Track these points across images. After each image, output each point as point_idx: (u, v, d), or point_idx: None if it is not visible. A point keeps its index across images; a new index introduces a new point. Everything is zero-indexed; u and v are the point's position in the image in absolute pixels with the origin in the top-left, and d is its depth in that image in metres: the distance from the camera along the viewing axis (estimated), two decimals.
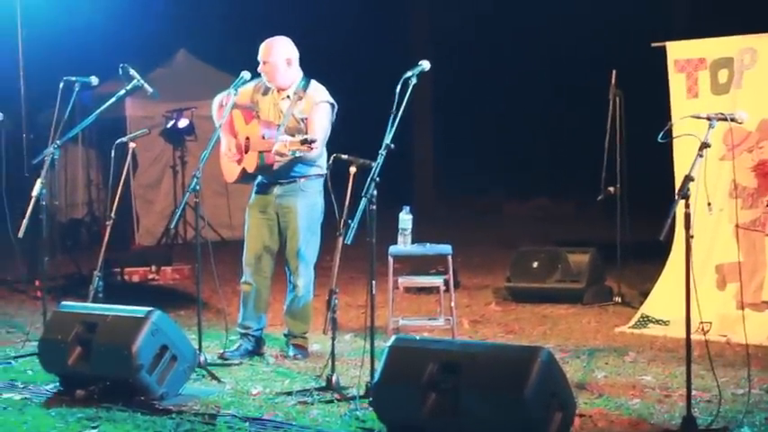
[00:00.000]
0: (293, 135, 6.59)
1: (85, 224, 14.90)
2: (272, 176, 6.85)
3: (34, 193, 6.91)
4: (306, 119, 6.73)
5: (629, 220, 8.97)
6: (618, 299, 8.91)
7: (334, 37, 20.45)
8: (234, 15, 20.62)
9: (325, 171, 6.81)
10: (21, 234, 6.88)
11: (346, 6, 20.10)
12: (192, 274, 10.80)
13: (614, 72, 8.90)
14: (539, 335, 7.80)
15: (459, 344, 5.52)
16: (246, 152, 6.83)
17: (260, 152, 6.70)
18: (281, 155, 6.54)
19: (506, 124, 20.60)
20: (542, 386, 4.57)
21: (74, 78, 7.25)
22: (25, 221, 6.84)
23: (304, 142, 6.32)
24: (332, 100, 6.84)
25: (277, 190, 6.89)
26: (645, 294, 8.30)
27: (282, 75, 6.85)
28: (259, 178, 6.97)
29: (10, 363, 6.80)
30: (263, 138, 6.69)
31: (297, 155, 6.46)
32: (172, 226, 8.20)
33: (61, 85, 7.23)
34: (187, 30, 18.44)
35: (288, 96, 6.88)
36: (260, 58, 6.87)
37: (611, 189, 8.94)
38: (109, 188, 7.30)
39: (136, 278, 10.84)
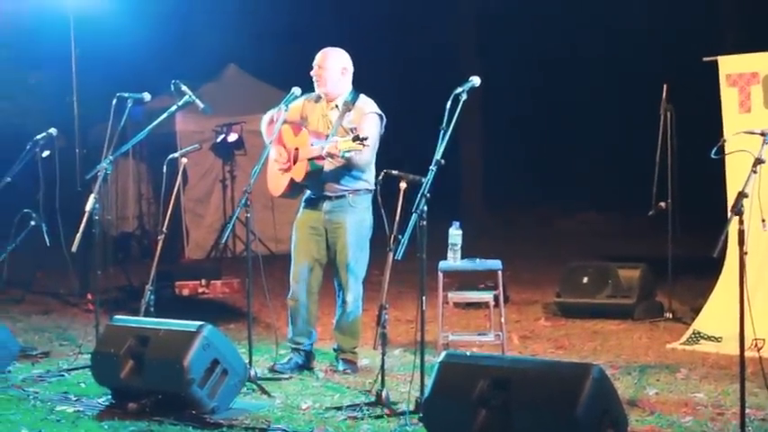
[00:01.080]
0: None
1: (136, 237, 15.06)
2: (320, 187, 6.87)
3: (87, 207, 6.98)
4: (355, 129, 6.76)
5: (680, 235, 8.91)
6: (669, 315, 8.84)
7: (383, 52, 20.50)
8: (284, 30, 20.75)
9: (373, 186, 6.85)
10: (74, 248, 6.96)
11: (395, 22, 20.17)
12: (241, 287, 10.89)
13: (666, 86, 8.85)
14: (589, 351, 7.75)
15: (509, 360, 5.51)
16: (295, 163, 6.86)
17: (309, 159, 6.74)
18: (332, 155, 6.57)
19: (556, 138, 20.53)
20: (594, 403, 4.55)
21: (126, 95, 7.33)
22: (78, 236, 6.91)
23: (356, 139, 6.36)
24: (381, 112, 6.89)
25: (326, 206, 6.92)
26: (696, 310, 8.23)
27: (335, 83, 6.90)
28: (307, 193, 7.00)
29: (63, 375, 6.88)
30: (312, 146, 6.73)
31: (348, 155, 6.48)
32: (222, 241, 8.24)
33: (114, 101, 7.31)
34: (237, 45, 18.57)
35: (336, 106, 6.94)
36: (315, 62, 6.94)
37: (663, 204, 8.88)
38: (160, 203, 7.34)
39: (186, 292, 10.93)
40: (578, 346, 7.96)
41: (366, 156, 6.70)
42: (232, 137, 13.87)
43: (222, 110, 13.52)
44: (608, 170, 19.48)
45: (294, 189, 6.95)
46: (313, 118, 6.99)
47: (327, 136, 6.77)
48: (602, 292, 9.11)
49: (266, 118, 7.11)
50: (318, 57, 6.96)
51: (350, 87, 6.97)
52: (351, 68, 6.99)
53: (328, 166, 6.77)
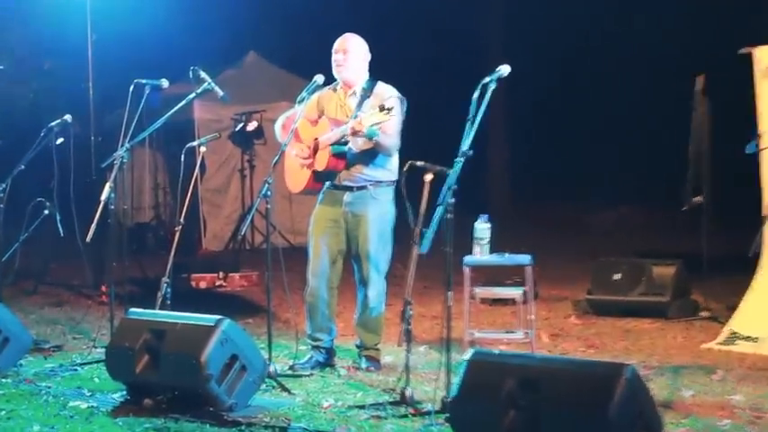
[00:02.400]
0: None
1: (152, 228, 15.12)
2: (341, 177, 6.84)
3: (103, 197, 7.00)
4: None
5: (715, 230, 8.85)
6: (704, 313, 8.80)
7: (406, 40, 20.47)
8: (304, 17, 20.75)
9: (396, 177, 6.84)
10: (88, 239, 6.98)
11: (417, 9, 20.12)
12: (260, 280, 10.90)
13: (699, 78, 8.77)
14: (621, 350, 7.72)
15: (539, 359, 5.48)
16: (315, 153, 6.84)
17: (331, 144, 6.72)
18: (357, 132, 6.52)
19: (586, 129, 20.43)
20: (627, 405, 4.51)
21: (144, 81, 7.35)
22: (93, 226, 6.93)
23: (381, 110, 6.32)
24: (401, 95, 6.88)
25: (347, 197, 6.90)
26: (733, 309, 8.16)
27: (356, 68, 6.91)
28: (327, 184, 6.97)
29: (76, 370, 6.90)
30: (333, 131, 6.71)
31: (374, 131, 6.44)
32: (242, 233, 8.24)
33: (131, 87, 7.33)
34: (257, 31, 18.59)
35: (354, 93, 6.94)
36: (337, 47, 6.93)
37: (698, 198, 8.83)
38: (178, 193, 7.35)
39: (203, 284, 10.96)
40: (610, 345, 7.92)
41: (392, 139, 6.69)
42: (251, 126, 13.85)
43: (241, 98, 13.53)
44: (641, 163, 19.37)
45: (317, 180, 6.91)
46: (330, 108, 6.98)
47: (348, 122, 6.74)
48: (635, 290, 9.07)
49: (281, 121, 7.13)
50: (340, 41, 6.96)
51: (367, 75, 6.98)
52: (368, 56, 7.04)
53: (351, 152, 6.76)
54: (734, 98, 8.74)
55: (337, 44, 6.96)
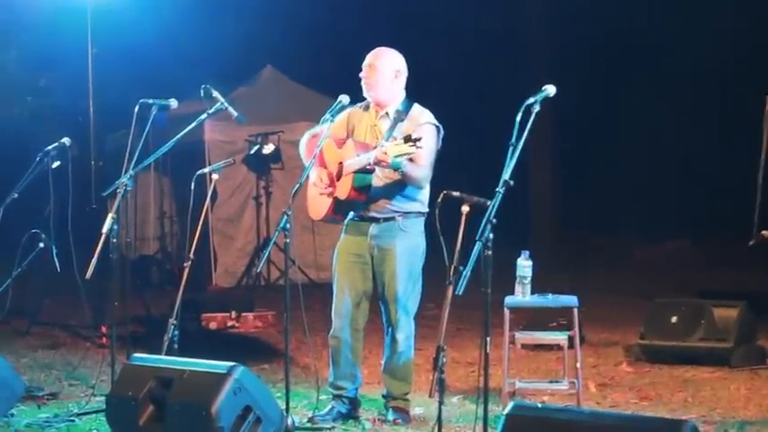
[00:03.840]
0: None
1: (157, 262, 15.16)
2: (366, 207, 6.85)
3: (104, 228, 7.02)
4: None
5: None
6: None
7: (440, 55, 20.49)
8: (326, 27, 20.82)
9: (427, 209, 6.85)
10: (88, 275, 7.00)
11: (455, 21, 20.18)
12: (276, 321, 10.92)
13: None
14: (679, 403, 7.68)
15: (586, 414, 5.45)
16: (339, 179, 6.86)
17: (355, 172, 6.72)
18: (381, 163, 6.53)
19: (638, 157, 20.41)
20: None
21: (151, 101, 7.38)
22: (93, 261, 6.95)
23: (408, 140, 6.32)
24: (438, 123, 6.88)
25: (373, 229, 6.91)
26: None
27: (386, 87, 6.90)
28: (350, 215, 6.99)
29: (73, 420, 6.91)
30: (358, 157, 6.72)
31: (400, 163, 6.45)
32: (258, 270, 8.25)
33: (136, 108, 7.37)
34: (274, 43, 18.66)
35: (387, 115, 6.93)
36: (365, 62, 6.94)
37: (766, 233, 8.78)
38: (187, 223, 7.38)
39: (213, 325, 10.98)
40: (666, 396, 7.88)
41: (422, 170, 6.69)
42: (268, 148, 13.91)
43: (257, 117, 13.60)
44: (701, 193, 19.32)
45: (338, 211, 6.93)
46: (360, 128, 6.99)
47: (376, 147, 6.74)
48: (694, 334, 9.02)
49: (306, 138, 7.13)
50: (369, 57, 6.97)
51: (403, 95, 6.97)
52: (405, 72, 6.98)
53: (377, 181, 6.76)
54: None
55: (366, 59, 6.97)
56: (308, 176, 6.81)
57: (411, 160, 6.56)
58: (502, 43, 20.40)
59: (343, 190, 6.80)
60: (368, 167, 6.67)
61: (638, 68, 20.21)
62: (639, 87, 20.30)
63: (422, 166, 6.66)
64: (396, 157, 6.41)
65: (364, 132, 6.97)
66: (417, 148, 6.33)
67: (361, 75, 6.96)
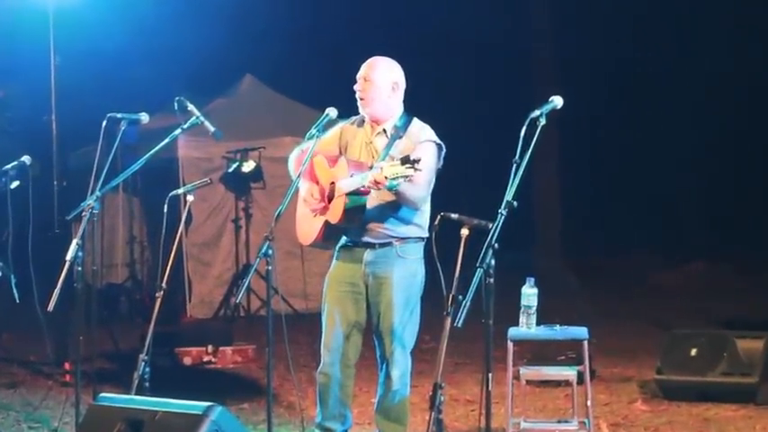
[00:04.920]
0: None
1: (126, 290, 15.15)
2: (361, 232, 6.82)
3: (68, 256, 6.98)
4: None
5: None
6: None
7: (438, 63, 20.53)
8: (312, 32, 20.84)
9: (426, 233, 6.81)
10: (50, 307, 6.96)
11: (450, 25, 20.23)
12: (257, 355, 10.89)
13: None
14: None
15: None
16: (330, 201, 6.82)
17: (348, 194, 6.68)
18: (377, 185, 6.48)
19: (654, 172, 20.47)
20: None
21: (120, 114, 7.35)
22: (56, 291, 6.91)
23: (405, 162, 6.25)
24: (439, 141, 6.84)
25: (368, 256, 6.87)
26: None
27: (383, 101, 6.85)
28: (343, 240, 6.96)
29: None
30: (352, 177, 6.67)
31: (397, 185, 6.41)
32: (238, 300, 8.23)
33: (104, 122, 7.35)
34: (255, 50, 18.67)
35: (384, 131, 6.90)
36: (360, 74, 6.88)
37: None
38: (159, 249, 7.35)
39: (188, 360, 10.94)
40: None
41: (420, 191, 6.64)
42: (248, 166, 13.92)
43: (236, 132, 13.60)
44: (721, 211, 19.36)
45: (329, 236, 6.89)
46: (354, 146, 6.94)
47: (371, 167, 6.70)
48: (716, 368, 9.01)
49: (295, 154, 7.09)
50: (363, 68, 6.91)
51: (401, 109, 6.93)
52: (403, 84, 6.93)
53: (372, 202, 6.73)
54: None
55: (360, 71, 6.90)
56: (294, 194, 6.76)
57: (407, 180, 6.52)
58: (504, 53, 20.45)
59: (335, 213, 6.75)
60: (362, 189, 6.63)
61: (650, 80, 20.30)
62: (658, 96, 20.38)
63: (419, 185, 6.59)
64: (393, 179, 6.35)
65: (358, 150, 6.93)
66: (416, 170, 6.28)
67: (355, 88, 6.90)
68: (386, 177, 6.31)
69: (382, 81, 6.84)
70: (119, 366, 9.49)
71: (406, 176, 6.27)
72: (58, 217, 10.02)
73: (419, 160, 6.26)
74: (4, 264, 8.45)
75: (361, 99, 6.86)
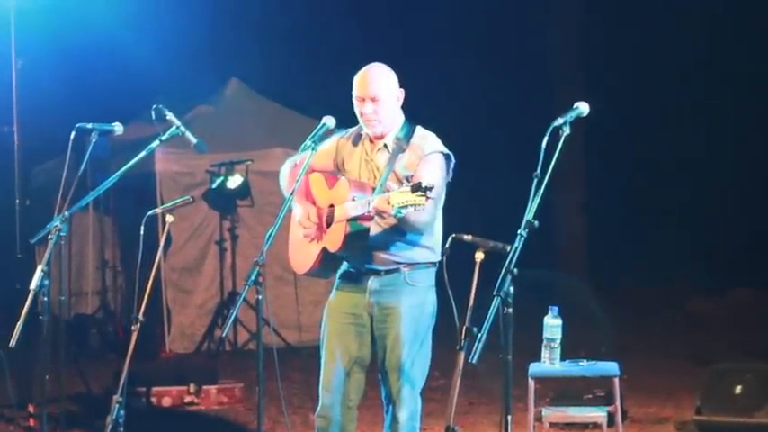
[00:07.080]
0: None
1: (97, 322, 15.12)
2: (364, 258, 6.81)
3: (33, 285, 6.97)
4: (412, 176, 6.65)
5: None
6: None
7: (444, 65, 20.59)
8: (304, 32, 20.89)
9: (438, 257, 6.78)
10: (13, 342, 6.94)
11: (461, 25, 20.29)
12: (245, 395, 10.87)
13: None
14: None
15: None
16: (329, 226, 6.80)
17: (349, 220, 6.65)
18: (383, 214, 6.47)
19: (688, 192, 20.49)
20: None
21: (90, 125, 7.34)
22: (19, 324, 6.89)
23: (416, 189, 6.18)
24: (447, 150, 6.82)
25: (372, 283, 6.85)
26: None
27: (393, 117, 6.80)
28: (344, 266, 6.95)
29: None
30: (354, 201, 6.64)
31: (402, 214, 6.37)
32: (224, 334, 8.23)
33: (72, 134, 7.34)
34: (240, 52, 18.69)
35: (385, 146, 6.86)
36: (360, 92, 6.78)
37: None
38: (135, 275, 7.35)
39: (167, 401, 10.91)
40: None
41: (425, 215, 6.57)
42: (234, 181, 13.93)
43: (221, 143, 13.60)
44: (764, 233, 19.38)
45: (327, 264, 6.85)
46: (352, 162, 6.91)
47: (374, 189, 6.68)
48: (763, 408, 9.02)
49: (287, 168, 7.07)
50: (364, 86, 6.77)
51: (402, 118, 6.90)
52: (402, 92, 6.90)
53: (375, 228, 6.70)
54: None
55: (361, 88, 6.78)
56: (287, 213, 6.73)
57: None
58: (522, 54, 20.52)
59: (335, 240, 6.71)
60: (365, 215, 6.60)
61: (692, 87, 20.34)
62: (694, 110, 20.42)
63: (425, 209, 6.50)
64: (400, 206, 6.29)
65: (357, 168, 6.89)
66: (428, 198, 6.22)
67: (363, 111, 6.77)
68: (392, 205, 6.24)
69: (389, 96, 6.76)
70: (89, 409, 9.48)
71: (417, 204, 6.20)
72: (21, 240, 10.02)
73: (432, 187, 6.18)
74: None
75: (371, 121, 6.75)
